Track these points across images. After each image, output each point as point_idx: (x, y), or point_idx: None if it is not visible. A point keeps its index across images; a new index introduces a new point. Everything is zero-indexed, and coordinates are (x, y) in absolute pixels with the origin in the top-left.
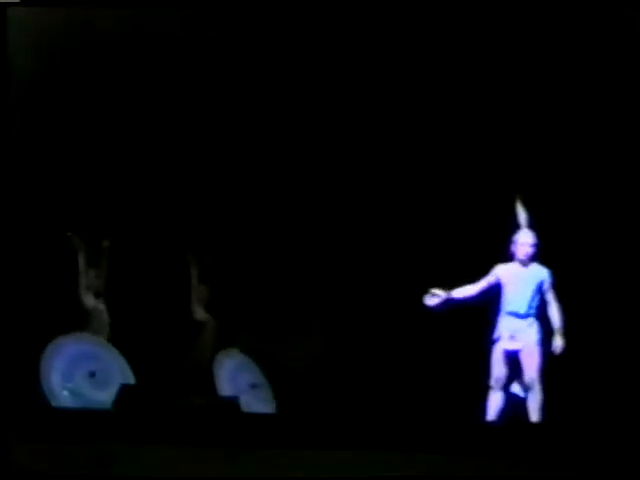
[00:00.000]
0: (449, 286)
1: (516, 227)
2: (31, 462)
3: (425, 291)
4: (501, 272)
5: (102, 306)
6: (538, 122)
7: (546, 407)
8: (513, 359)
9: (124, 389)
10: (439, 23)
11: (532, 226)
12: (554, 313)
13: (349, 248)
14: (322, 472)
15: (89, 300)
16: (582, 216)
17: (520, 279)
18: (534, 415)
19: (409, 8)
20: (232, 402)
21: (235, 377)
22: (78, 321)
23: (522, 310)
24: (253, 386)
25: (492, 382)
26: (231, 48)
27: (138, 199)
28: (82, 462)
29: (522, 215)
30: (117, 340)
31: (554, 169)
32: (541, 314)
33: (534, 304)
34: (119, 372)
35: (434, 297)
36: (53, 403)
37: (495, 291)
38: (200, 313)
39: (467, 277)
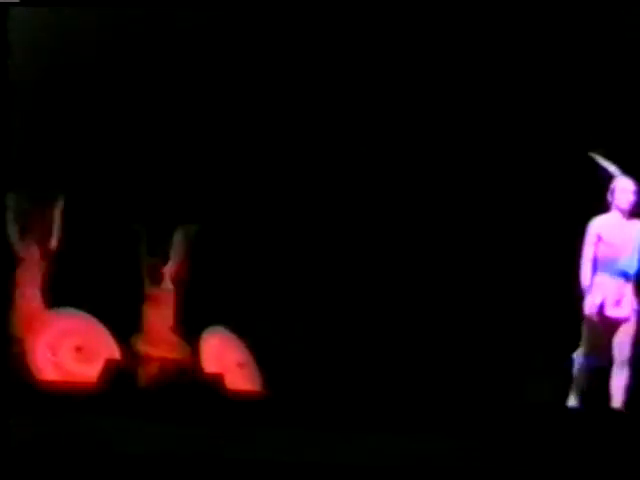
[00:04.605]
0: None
1: (607, 178)
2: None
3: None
4: (600, 226)
5: None
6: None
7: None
8: (611, 330)
9: (110, 364)
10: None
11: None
12: None
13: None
14: (310, 453)
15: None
16: None
17: (625, 233)
18: (617, 400)
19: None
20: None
21: (221, 355)
22: None
23: (631, 270)
24: (240, 365)
25: (582, 357)
26: (236, 38)
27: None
28: (66, 437)
29: (611, 166)
30: (104, 314)
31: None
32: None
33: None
34: (105, 347)
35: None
36: (39, 377)
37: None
38: None
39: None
